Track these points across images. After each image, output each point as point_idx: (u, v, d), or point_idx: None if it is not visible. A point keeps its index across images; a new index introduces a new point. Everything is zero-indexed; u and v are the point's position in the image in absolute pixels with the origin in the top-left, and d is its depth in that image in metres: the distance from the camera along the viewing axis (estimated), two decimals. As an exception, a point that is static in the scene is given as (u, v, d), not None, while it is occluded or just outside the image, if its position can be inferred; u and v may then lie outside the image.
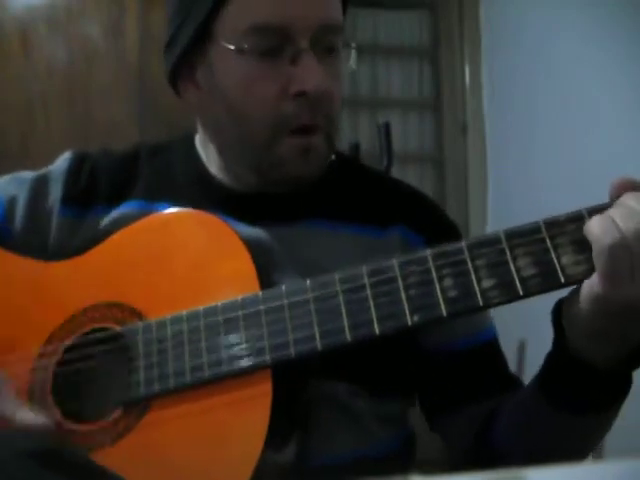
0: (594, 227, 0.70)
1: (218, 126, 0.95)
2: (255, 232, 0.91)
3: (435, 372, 0.95)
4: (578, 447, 0.85)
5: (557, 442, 0.84)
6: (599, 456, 2.28)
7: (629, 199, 0.71)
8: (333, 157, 1.03)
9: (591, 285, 0.71)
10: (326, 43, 0.90)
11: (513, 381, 0.96)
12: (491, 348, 0.98)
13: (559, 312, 0.78)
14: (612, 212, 0.71)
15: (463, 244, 0.75)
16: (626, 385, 0.79)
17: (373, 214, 0.97)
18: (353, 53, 0.95)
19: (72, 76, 2.50)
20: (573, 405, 0.80)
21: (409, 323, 0.74)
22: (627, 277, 0.69)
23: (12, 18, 2.48)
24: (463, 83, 3.35)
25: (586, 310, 0.72)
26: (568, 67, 3.03)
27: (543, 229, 0.73)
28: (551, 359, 0.81)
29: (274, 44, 0.88)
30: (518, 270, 0.73)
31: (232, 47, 0.89)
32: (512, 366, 1.00)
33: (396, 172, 2.65)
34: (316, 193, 0.97)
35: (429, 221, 0.99)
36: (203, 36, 0.91)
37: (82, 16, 2.53)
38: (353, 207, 0.97)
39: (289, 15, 0.87)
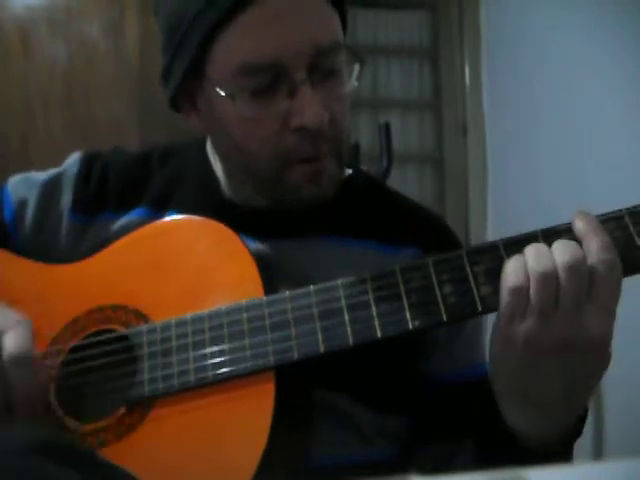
0: (506, 265, 0.72)
1: (225, 153, 0.94)
2: (262, 245, 0.90)
3: (426, 400, 0.93)
4: None
5: None
6: (599, 456, 2.27)
7: (557, 243, 0.72)
8: (347, 171, 1.02)
9: (494, 327, 0.73)
10: (326, 66, 0.86)
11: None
12: (479, 385, 0.95)
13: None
14: (528, 251, 0.72)
15: (463, 252, 0.76)
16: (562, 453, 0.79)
17: (386, 233, 0.96)
18: (356, 68, 0.90)
19: (72, 76, 2.50)
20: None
21: (410, 327, 0.75)
22: (518, 316, 0.70)
23: (12, 18, 2.48)
24: (463, 83, 3.35)
25: (496, 360, 0.75)
26: (568, 67, 3.03)
27: (540, 238, 0.74)
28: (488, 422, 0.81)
29: (267, 81, 0.84)
30: None
31: (223, 93, 0.85)
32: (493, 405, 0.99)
33: (396, 172, 2.65)
34: (328, 208, 0.95)
35: (440, 244, 0.96)
36: (196, 73, 0.88)
37: (82, 16, 2.53)
38: (366, 225, 0.96)
39: (280, 48, 0.82)
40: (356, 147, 2.56)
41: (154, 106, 2.43)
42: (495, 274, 0.74)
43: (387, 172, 2.47)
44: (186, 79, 0.89)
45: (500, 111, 3.22)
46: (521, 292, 0.70)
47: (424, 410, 0.94)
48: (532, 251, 0.71)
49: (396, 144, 2.62)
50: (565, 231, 0.74)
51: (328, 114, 0.85)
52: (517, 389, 0.75)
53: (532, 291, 0.69)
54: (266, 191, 0.92)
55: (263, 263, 0.83)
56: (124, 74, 2.52)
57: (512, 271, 0.71)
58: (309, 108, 0.83)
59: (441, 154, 3.39)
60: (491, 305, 0.74)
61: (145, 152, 1.04)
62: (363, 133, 3.27)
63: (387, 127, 2.57)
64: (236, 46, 0.83)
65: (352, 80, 0.90)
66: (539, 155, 3.06)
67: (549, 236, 0.74)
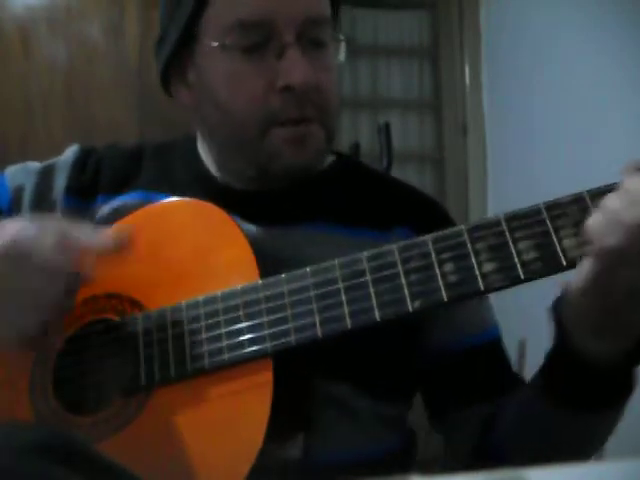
0: (593, 225, 0.69)
1: (210, 125, 0.95)
2: (255, 232, 0.91)
3: (439, 371, 0.95)
4: (580, 447, 0.85)
5: (558, 442, 0.83)
6: (599, 456, 2.27)
7: (633, 183, 0.68)
8: (334, 158, 1.03)
9: (587, 277, 0.69)
10: (312, 36, 0.90)
11: (517, 382, 0.95)
12: (496, 347, 0.97)
13: (558, 309, 0.77)
14: (612, 202, 0.68)
15: (463, 227, 0.74)
16: (629, 382, 0.78)
17: (377, 216, 0.96)
18: (342, 46, 0.95)
19: (72, 76, 2.50)
20: (574, 402, 0.79)
21: (410, 309, 0.73)
22: (620, 266, 0.67)
23: (12, 18, 2.48)
24: (463, 83, 3.35)
25: (586, 304, 0.71)
26: (568, 67, 3.03)
27: (544, 211, 0.72)
28: (552, 356, 0.80)
29: (259, 39, 0.88)
30: (519, 253, 0.71)
31: (216, 44, 0.89)
32: (512, 364, 1.00)
33: (396, 172, 2.65)
34: (318, 194, 0.97)
35: (429, 219, 0.98)
36: (188, 37, 0.92)
37: (82, 16, 2.53)
38: (356, 209, 0.97)
39: (273, 10, 0.88)
40: (356, 147, 2.56)
41: (154, 106, 2.44)
42: (497, 250, 0.71)
43: (387, 172, 2.47)
44: (179, 44, 0.93)
45: (500, 111, 3.22)
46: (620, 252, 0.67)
47: (429, 383, 0.95)
48: (619, 198, 0.68)
49: (396, 144, 2.63)
50: (569, 203, 0.72)
51: (315, 80, 0.89)
52: (604, 327, 0.73)
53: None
54: (251, 160, 0.92)
55: (258, 247, 0.83)
56: (124, 74, 2.52)
57: (604, 229, 0.67)
58: (296, 68, 0.87)
59: (441, 154, 3.39)
60: (494, 283, 0.71)
61: (137, 146, 1.06)
62: (363, 133, 3.27)
63: (387, 127, 2.57)
64: (232, 3, 0.89)
65: (338, 56, 0.95)
66: (539, 155, 3.06)
67: (553, 208, 0.72)
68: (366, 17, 3.36)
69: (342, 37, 0.94)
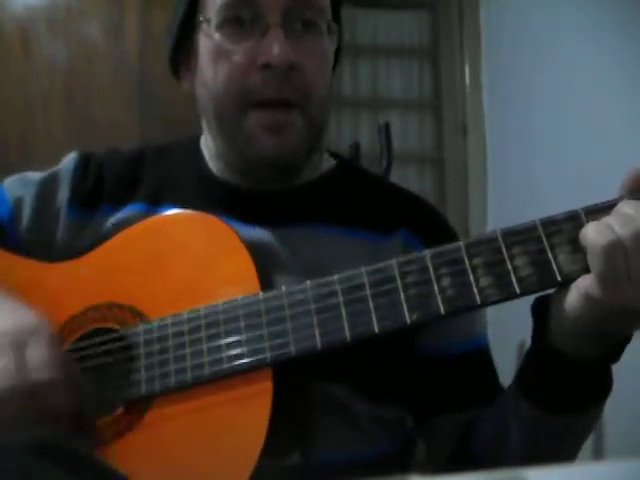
0: (589, 231, 0.70)
1: (202, 107, 0.97)
2: (256, 233, 0.91)
3: (424, 375, 0.95)
4: (556, 451, 0.84)
5: (535, 445, 0.83)
6: (599, 456, 2.28)
7: (626, 207, 0.70)
8: (334, 161, 1.03)
9: (586, 287, 0.70)
10: (302, 18, 0.91)
11: (501, 391, 0.95)
12: (482, 355, 0.97)
13: (543, 307, 0.77)
14: (608, 219, 0.70)
15: (461, 243, 0.75)
16: (606, 380, 0.78)
17: (376, 219, 0.97)
18: (334, 37, 0.96)
19: (72, 76, 2.50)
20: (552, 402, 0.79)
21: (408, 322, 0.75)
22: (624, 279, 0.68)
23: (12, 18, 2.49)
24: (463, 83, 3.35)
25: (580, 312, 0.72)
26: (568, 67, 3.03)
27: (539, 228, 0.73)
28: (531, 354, 0.81)
29: (245, 19, 0.90)
30: (515, 269, 0.73)
31: (206, 24, 0.92)
32: (512, 366, 1.00)
33: (396, 172, 2.65)
34: (319, 196, 0.97)
35: (429, 224, 0.99)
36: (191, 22, 0.95)
37: (82, 16, 2.53)
38: (357, 212, 0.97)
39: None
40: (356, 147, 2.56)
41: (154, 106, 2.44)
42: (494, 266, 0.73)
43: (387, 172, 2.47)
44: (181, 31, 0.96)
45: (500, 111, 3.22)
46: (618, 250, 0.68)
47: (427, 385, 0.95)
48: (614, 218, 0.70)
49: (396, 144, 2.62)
50: (564, 220, 0.73)
51: (297, 62, 0.89)
52: (590, 334, 0.73)
53: (631, 249, 0.67)
54: (231, 142, 0.93)
55: (259, 253, 0.83)
56: (124, 74, 2.52)
57: (600, 233, 0.69)
58: (275, 46, 0.88)
59: (441, 154, 3.39)
60: (490, 297, 0.73)
61: (139, 149, 1.06)
62: (363, 133, 3.27)
63: (387, 127, 2.57)
64: None
65: (332, 43, 0.95)
66: (539, 155, 3.06)
67: (548, 225, 0.73)
68: (366, 17, 3.36)
69: (336, 28, 0.95)
